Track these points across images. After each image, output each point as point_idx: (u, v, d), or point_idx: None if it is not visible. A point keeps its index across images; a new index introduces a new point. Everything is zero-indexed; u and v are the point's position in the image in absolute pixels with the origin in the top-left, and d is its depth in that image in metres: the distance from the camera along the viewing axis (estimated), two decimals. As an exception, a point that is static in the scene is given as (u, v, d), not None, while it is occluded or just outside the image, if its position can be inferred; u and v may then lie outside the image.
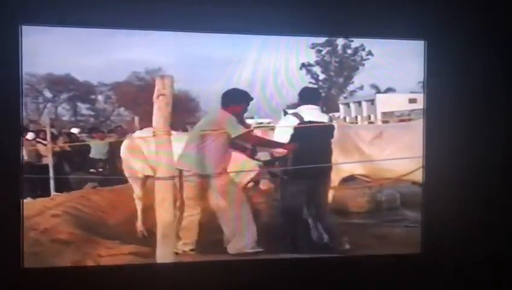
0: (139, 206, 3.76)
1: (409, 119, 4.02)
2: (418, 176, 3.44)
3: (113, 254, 3.31)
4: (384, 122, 4.08)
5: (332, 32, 3.69)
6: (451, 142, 3.35)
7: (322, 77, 4.16)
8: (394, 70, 3.76)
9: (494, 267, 3.33)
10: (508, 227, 3.40)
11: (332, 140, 3.56)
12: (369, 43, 3.90)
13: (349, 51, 4.09)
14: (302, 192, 3.48)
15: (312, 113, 3.49)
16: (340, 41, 4.09)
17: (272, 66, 3.96)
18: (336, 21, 3.37)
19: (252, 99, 3.51)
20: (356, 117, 4.28)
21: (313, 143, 3.43)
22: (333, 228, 3.64)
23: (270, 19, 3.54)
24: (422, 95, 3.80)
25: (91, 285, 3.11)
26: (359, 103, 4.23)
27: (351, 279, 3.22)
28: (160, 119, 2.89)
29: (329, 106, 4.20)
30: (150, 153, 3.57)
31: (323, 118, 3.53)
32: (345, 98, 4.11)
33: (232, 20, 3.42)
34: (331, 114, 4.27)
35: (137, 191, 3.77)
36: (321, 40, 4.07)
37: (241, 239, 3.38)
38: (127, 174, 3.80)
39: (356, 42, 4.01)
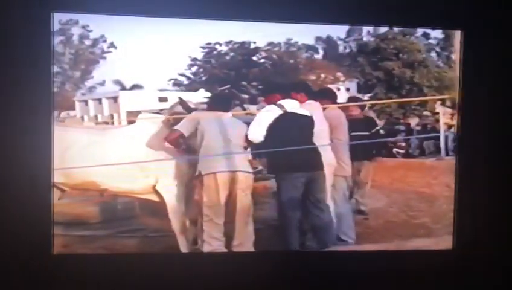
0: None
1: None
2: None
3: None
4: (130, 122, 3.78)
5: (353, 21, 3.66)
6: (487, 135, 3.38)
7: (54, 69, 3.61)
8: (142, 66, 3.53)
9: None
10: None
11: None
12: (111, 35, 3.56)
13: (87, 42, 3.66)
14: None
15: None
16: (77, 31, 3.61)
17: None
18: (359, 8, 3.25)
19: None
20: (96, 116, 3.86)
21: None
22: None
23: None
24: (172, 93, 3.72)
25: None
26: (99, 100, 3.82)
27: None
28: None
29: (61, 104, 3.69)
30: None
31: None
32: (83, 94, 3.67)
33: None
34: (65, 112, 3.77)
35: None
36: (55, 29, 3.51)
37: None
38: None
39: (96, 33, 3.60)
